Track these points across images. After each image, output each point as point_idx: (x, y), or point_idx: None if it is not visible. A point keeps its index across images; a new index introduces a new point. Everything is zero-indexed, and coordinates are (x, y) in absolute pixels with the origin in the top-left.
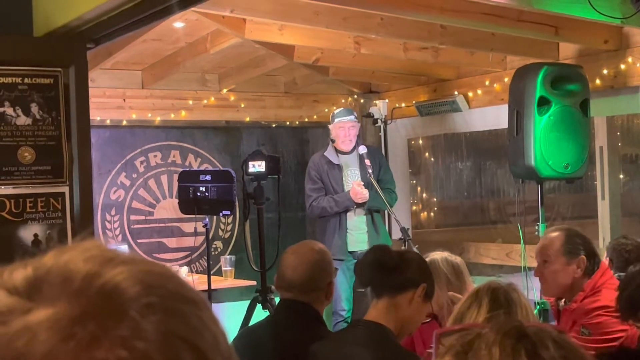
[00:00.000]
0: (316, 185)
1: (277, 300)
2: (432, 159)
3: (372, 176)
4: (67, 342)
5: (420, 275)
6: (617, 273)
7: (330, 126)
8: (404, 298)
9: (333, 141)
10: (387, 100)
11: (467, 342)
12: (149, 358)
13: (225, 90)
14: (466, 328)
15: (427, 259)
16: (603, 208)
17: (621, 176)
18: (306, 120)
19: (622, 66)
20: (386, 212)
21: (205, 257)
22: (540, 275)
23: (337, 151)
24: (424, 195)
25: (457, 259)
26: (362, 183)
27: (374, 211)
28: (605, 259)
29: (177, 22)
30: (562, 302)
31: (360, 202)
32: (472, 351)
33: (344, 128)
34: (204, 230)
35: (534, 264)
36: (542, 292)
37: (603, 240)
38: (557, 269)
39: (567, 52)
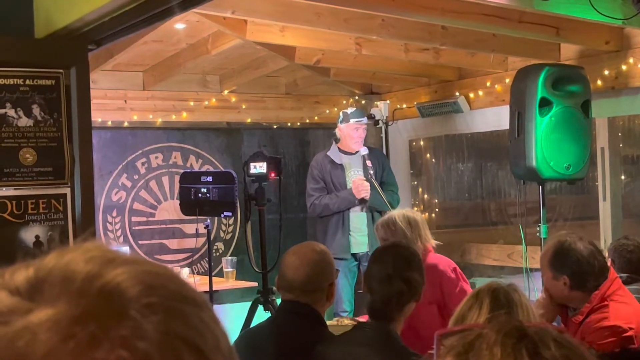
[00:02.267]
0: (318, 185)
1: (278, 301)
2: (434, 160)
3: (374, 177)
4: (67, 342)
5: (421, 285)
6: (620, 273)
7: (341, 125)
8: (409, 306)
9: (337, 140)
10: (388, 102)
11: (468, 342)
12: (150, 358)
13: (226, 92)
14: (467, 328)
15: (386, 217)
16: (604, 209)
17: (622, 177)
18: (307, 121)
19: (624, 67)
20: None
21: (207, 259)
22: (543, 282)
23: (341, 151)
24: (425, 196)
25: (415, 215)
26: (364, 178)
27: (375, 212)
28: (607, 260)
29: (178, 24)
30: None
31: (362, 196)
32: (473, 351)
33: (359, 129)
34: (205, 231)
35: (536, 265)
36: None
37: (604, 241)
38: (548, 283)
39: (569, 53)
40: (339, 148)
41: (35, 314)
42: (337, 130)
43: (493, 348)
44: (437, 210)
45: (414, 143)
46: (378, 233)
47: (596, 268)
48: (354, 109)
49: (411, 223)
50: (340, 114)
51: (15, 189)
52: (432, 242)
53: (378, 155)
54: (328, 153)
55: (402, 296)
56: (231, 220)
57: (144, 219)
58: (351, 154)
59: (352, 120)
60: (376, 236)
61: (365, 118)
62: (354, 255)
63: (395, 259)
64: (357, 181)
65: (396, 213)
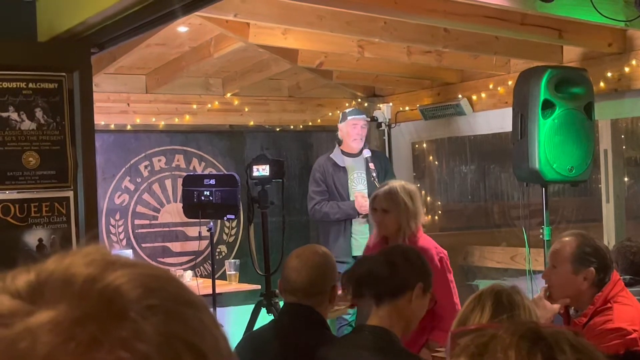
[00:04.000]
0: (320, 188)
1: (281, 304)
2: (436, 163)
3: (377, 180)
4: (68, 343)
5: (414, 274)
6: (623, 275)
7: (340, 125)
8: (403, 300)
9: (340, 142)
10: (391, 104)
11: (482, 343)
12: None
13: (229, 95)
14: (481, 328)
15: (387, 187)
16: (608, 211)
17: (625, 179)
18: (310, 124)
19: (626, 69)
20: None
21: (210, 261)
22: (547, 279)
23: (344, 153)
24: (428, 198)
25: (413, 187)
26: (366, 195)
27: None
28: None
29: (181, 27)
30: (572, 310)
31: (363, 213)
32: (488, 353)
33: (357, 126)
34: (208, 234)
35: (539, 268)
36: (549, 297)
37: (608, 243)
38: (563, 277)
39: (571, 55)
40: (341, 150)
41: (36, 316)
42: (338, 132)
43: (507, 351)
44: (440, 212)
45: (417, 145)
46: (377, 203)
47: (613, 263)
48: (352, 108)
49: (412, 195)
50: (340, 114)
51: (18, 192)
52: (424, 219)
53: (381, 158)
54: (331, 155)
55: (377, 279)
56: (234, 223)
57: (147, 222)
58: (354, 155)
59: (349, 118)
60: (375, 206)
61: (364, 115)
62: (355, 257)
63: (386, 254)
64: (360, 199)
65: (397, 184)
